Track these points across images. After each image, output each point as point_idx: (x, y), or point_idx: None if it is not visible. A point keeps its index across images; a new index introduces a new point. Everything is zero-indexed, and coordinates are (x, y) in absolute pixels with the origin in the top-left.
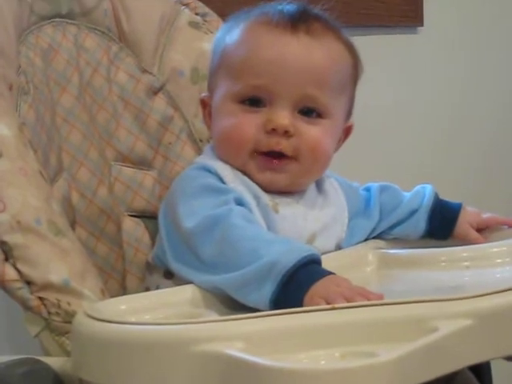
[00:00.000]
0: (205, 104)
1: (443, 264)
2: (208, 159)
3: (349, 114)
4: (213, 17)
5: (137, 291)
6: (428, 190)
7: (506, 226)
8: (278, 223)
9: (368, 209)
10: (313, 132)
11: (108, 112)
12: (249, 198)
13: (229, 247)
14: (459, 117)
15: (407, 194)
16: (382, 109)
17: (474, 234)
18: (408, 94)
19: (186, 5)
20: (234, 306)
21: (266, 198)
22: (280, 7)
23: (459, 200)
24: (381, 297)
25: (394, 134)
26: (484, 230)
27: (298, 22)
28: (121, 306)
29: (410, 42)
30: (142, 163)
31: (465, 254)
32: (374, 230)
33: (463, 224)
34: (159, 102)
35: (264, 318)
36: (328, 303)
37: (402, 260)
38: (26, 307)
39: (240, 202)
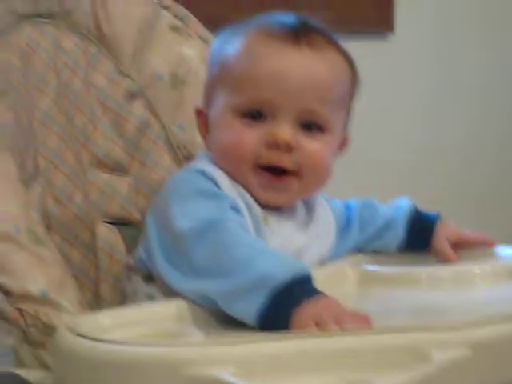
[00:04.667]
0: (200, 114)
1: (424, 283)
2: (205, 165)
3: (345, 126)
4: (192, 20)
5: (111, 299)
6: (406, 202)
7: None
8: (266, 235)
9: (349, 227)
10: (314, 146)
11: (85, 115)
12: (242, 207)
13: (223, 252)
14: (433, 120)
15: (384, 207)
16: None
17: (448, 249)
18: (380, 99)
19: (166, 8)
20: (219, 322)
21: (257, 208)
22: (280, 19)
23: (437, 202)
24: (370, 321)
25: (366, 140)
26: (463, 247)
27: (300, 34)
28: (104, 320)
29: (381, 49)
30: (118, 168)
31: (445, 274)
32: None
33: (440, 237)
34: (137, 107)
35: (256, 341)
36: (318, 326)
37: (382, 277)
38: (3, 318)
39: (235, 210)
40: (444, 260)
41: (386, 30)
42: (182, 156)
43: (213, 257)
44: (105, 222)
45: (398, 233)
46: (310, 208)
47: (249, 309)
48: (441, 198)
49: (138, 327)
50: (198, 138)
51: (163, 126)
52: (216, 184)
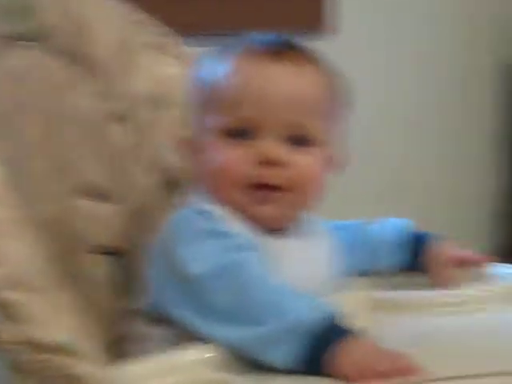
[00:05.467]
0: (185, 142)
1: (430, 309)
2: (202, 202)
3: (338, 143)
4: (168, 37)
5: (101, 336)
6: (400, 222)
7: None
8: (277, 268)
9: (344, 250)
10: (304, 162)
11: (69, 141)
12: (255, 242)
13: (244, 298)
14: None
15: (375, 229)
16: None
17: (446, 269)
18: None
19: (141, 24)
20: (249, 366)
21: (267, 239)
22: (262, 38)
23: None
24: (418, 370)
25: None
26: (458, 266)
27: (282, 51)
28: (140, 370)
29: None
30: (103, 195)
31: (450, 299)
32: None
33: (437, 257)
34: (120, 130)
35: None
36: (359, 374)
37: (391, 303)
38: (25, 370)
39: (250, 247)
40: (439, 280)
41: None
42: (167, 179)
43: (234, 302)
44: (90, 252)
45: (394, 254)
46: (307, 233)
47: (282, 357)
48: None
49: (172, 376)
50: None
51: (146, 148)
52: (221, 222)
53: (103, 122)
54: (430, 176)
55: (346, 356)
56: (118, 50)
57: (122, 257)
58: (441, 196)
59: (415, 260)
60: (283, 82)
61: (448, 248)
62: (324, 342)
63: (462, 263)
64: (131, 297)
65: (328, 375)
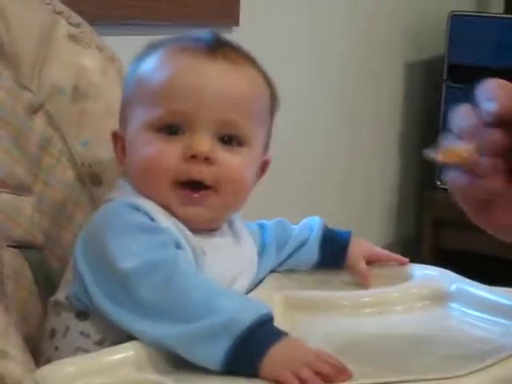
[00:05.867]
0: (117, 139)
1: (346, 310)
2: (130, 196)
3: (266, 147)
4: (87, 28)
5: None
6: (316, 221)
7: (395, 263)
8: (205, 266)
9: (266, 249)
10: (233, 161)
11: None
12: (181, 239)
13: (176, 294)
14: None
15: (296, 227)
16: None
17: (363, 265)
18: None
19: (60, 13)
20: (178, 364)
21: (193, 239)
22: (194, 35)
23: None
24: (346, 370)
25: None
26: (373, 265)
27: (216, 48)
28: (68, 368)
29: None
30: (21, 188)
31: (368, 299)
32: None
33: (354, 253)
34: (39, 123)
35: None
36: (292, 372)
37: (307, 303)
38: None
39: (178, 246)
40: (358, 276)
41: (231, 23)
42: (87, 174)
43: (165, 299)
44: (9, 246)
45: (312, 252)
46: (235, 232)
47: (213, 355)
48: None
49: (101, 375)
50: (103, 155)
51: (65, 142)
52: (151, 217)
53: (22, 114)
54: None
55: (277, 357)
56: (37, 39)
57: (40, 251)
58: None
59: (336, 257)
60: (219, 78)
61: (367, 245)
62: (253, 342)
63: (381, 259)
64: (53, 291)
65: (259, 376)
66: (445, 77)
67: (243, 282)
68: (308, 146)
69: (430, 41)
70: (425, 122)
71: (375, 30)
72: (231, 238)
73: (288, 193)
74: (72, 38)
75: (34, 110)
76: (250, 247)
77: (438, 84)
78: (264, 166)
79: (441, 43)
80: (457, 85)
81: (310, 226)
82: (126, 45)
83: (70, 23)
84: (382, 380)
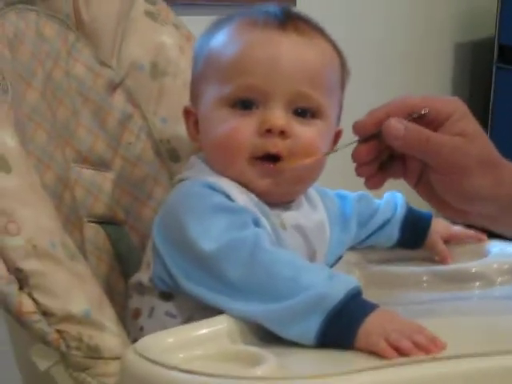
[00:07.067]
0: (189, 114)
1: (425, 285)
2: (204, 175)
3: (338, 118)
4: (162, 5)
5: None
6: (399, 198)
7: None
8: (286, 241)
9: (345, 221)
10: (308, 133)
11: (67, 108)
12: (260, 216)
13: (262, 272)
14: None
15: (380, 203)
16: None
17: (442, 246)
18: None
19: None
20: (269, 338)
21: (273, 215)
22: (264, 9)
23: None
24: (440, 342)
25: None
26: (453, 243)
27: (286, 21)
28: (168, 339)
29: None
30: (101, 164)
31: (447, 275)
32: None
33: (433, 235)
34: (118, 99)
35: (361, 372)
36: (389, 343)
37: (388, 278)
38: (44, 341)
39: (257, 223)
40: (438, 257)
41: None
42: (165, 150)
43: (252, 276)
44: (90, 221)
45: (393, 232)
46: (310, 202)
47: (306, 331)
48: None
49: (200, 348)
50: (181, 132)
51: (145, 118)
52: (228, 196)
53: (102, 90)
54: None
55: (372, 328)
56: (116, 16)
57: (120, 226)
58: None
59: (417, 238)
60: (291, 51)
61: (445, 225)
62: (349, 315)
63: (460, 239)
64: (134, 268)
65: (355, 348)
66: (495, 58)
67: (321, 255)
68: None
69: (481, 22)
70: (474, 104)
71: (425, 11)
72: (308, 209)
73: None
74: (149, 14)
75: (113, 87)
76: (322, 217)
77: (488, 65)
78: (336, 138)
79: (491, 24)
80: (507, 66)
81: (394, 204)
82: (189, 25)
83: (146, 0)
84: (481, 350)
